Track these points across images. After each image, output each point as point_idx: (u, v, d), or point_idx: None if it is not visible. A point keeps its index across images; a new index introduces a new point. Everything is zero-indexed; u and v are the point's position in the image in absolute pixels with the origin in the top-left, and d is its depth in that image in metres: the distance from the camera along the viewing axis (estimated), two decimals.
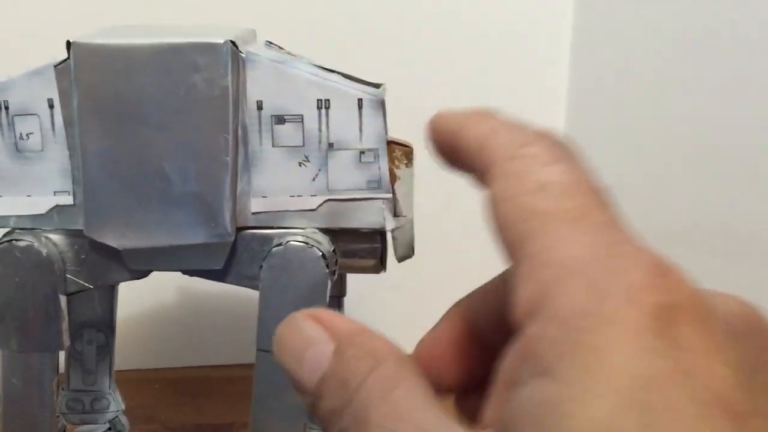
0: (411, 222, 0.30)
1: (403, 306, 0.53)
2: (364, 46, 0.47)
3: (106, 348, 0.35)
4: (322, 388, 0.16)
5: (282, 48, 0.30)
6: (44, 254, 0.28)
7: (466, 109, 0.18)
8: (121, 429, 0.37)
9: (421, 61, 0.49)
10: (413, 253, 0.30)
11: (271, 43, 0.30)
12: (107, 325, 0.35)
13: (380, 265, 0.30)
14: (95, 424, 0.36)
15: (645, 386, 0.12)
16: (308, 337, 0.17)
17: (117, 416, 0.36)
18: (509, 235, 0.15)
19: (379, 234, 0.30)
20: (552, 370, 0.13)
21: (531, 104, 0.52)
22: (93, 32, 0.27)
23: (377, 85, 0.28)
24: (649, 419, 0.12)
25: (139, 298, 0.49)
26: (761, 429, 0.13)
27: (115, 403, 0.36)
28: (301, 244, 0.28)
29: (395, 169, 0.29)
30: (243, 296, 0.51)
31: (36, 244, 0.28)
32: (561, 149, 0.16)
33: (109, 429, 0.36)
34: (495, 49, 0.51)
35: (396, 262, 0.30)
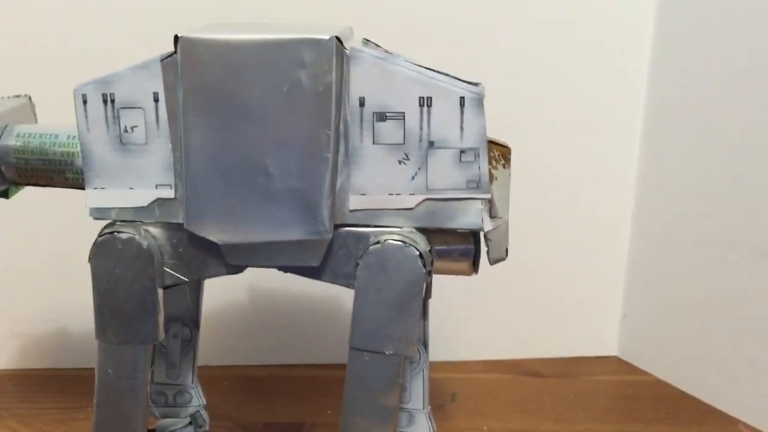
0: (506, 224, 0.29)
1: (472, 308, 0.52)
2: (445, 47, 0.47)
3: (190, 342, 0.36)
4: None
5: (379, 46, 0.30)
6: (145, 246, 0.28)
7: None
8: (202, 424, 0.37)
9: (503, 63, 0.49)
10: (506, 256, 0.30)
11: (368, 40, 0.30)
12: (193, 319, 0.35)
13: (473, 268, 0.30)
14: (177, 417, 0.36)
15: None
16: None
17: (198, 411, 0.37)
18: None
19: (473, 235, 0.30)
20: None
21: (609, 107, 0.51)
22: (198, 27, 0.27)
23: (475, 84, 0.28)
24: None
25: (210, 296, 0.50)
26: None
27: (197, 398, 0.36)
28: (399, 243, 0.27)
29: (492, 170, 0.28)
30: (314, 296, 0.51)
31: (137, 237, 0.28)
32: None
33: (190, 423, 0.37)
34: (576, 53, 0.50)
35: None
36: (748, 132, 0.44)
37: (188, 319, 0.35)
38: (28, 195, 0.34)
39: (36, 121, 0.32)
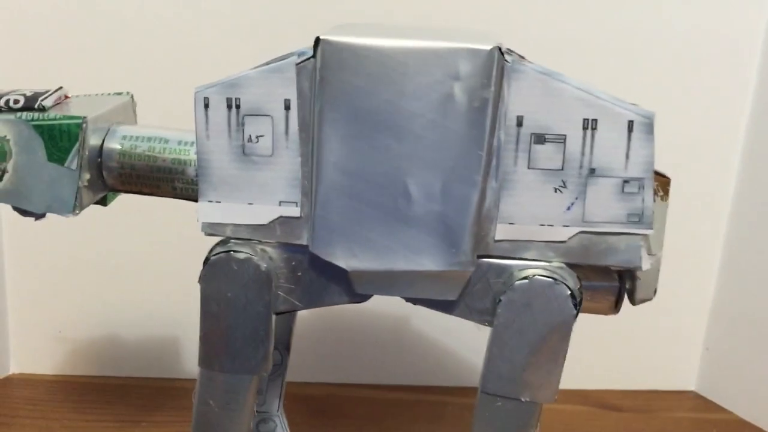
0: (659, 261, 0.27)
1: None
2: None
3: (280, 367, 0.33)
4: None
5: (523, 57, 0.27)
6: (263, 269, 0.25)
7: None
8: None
9: (607, 63, 0.46)
10: (654, 296, 0.27)
11: (511, 50, 0.27)
12: (284, 342, 0.33)
13: (615, 308, 0.27)
14: None
15: None
16: None
17: None
18: None
19: (618, 272, 0.27)
20: None
21: (714, 110, 0.48)
22: (335, 29, 0.25)
23: (635, 104, 0.25)
24: None
25: None
26: None
27: (283, 428, 0.34)
28: (549, 279, 0.25)
29: None
30: (380, 312, 0.48)
31: (255, 258, 0.25)
32: None
33: None
34: (684, 52, 0.47)
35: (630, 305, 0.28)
36: None
37: (280, 343, 0.32)
38: None
39: (136, 122, 0.29)
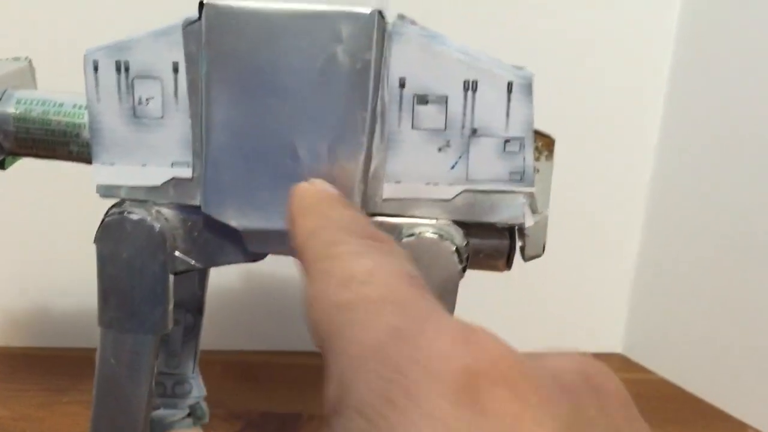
0: (546, 219, 0.28)
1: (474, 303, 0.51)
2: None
3: (193, 330, 0.33)
4: None
5: (415, 22, 0.28)
6: (157, 230, 0.26)
7: (318, 191, 0.21)
8: (201, 416, 0.35)
9: (517, 60, 0.47)
10: (543, 253, 0.28)
11: (403, 16, 0.28)
12: (197, 306, 0.33)
13: (507, 264, 0.28)
14: (175, 408, 0.34)
15: None
16: None
17: (198, 402, 0.34)
18: (318, 336, 0.15)
19: (508, 230, 0.28)
20: None
21: (625, 105, 0.49)
22: None
23: (520, 68, 0.26)
24: None
25: None
26: None
27: (198, 389, 0.34)
28: (435, 236, 0.25)
29: (535, 161, 0.26)
30: None
31: (149, 219, 0.26)
32: (371, 244, 0.17)
33: (189, 415, 0.35)
34: (592, 53, 0.48)
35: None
36: (762, 133, 0.43)
37: (192, 305, 0.33)
38: (13, 166, 0.31)
39: (36, 87, 0.29)
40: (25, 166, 0.31)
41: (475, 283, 0.51)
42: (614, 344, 0.53)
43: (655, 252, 0.51)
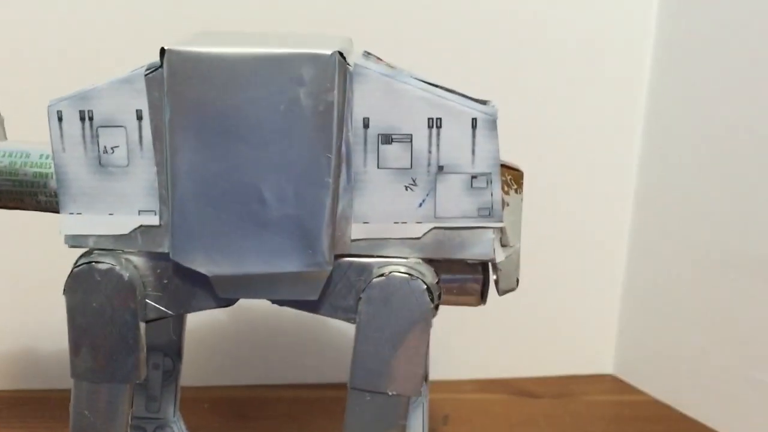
0: (517, 252, 0.27)
1: (464, 326, 0.50)
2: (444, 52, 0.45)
3: (172, 374, 0.33)
4: None
5: (380, 59, 0.28)
6: (126, 278, 0.25)
7: None
8: None
9: (495, 69, 0.47)
10: (517, 286, 0.28)
11: (369, 53, 0.28)
12: (175, 350, 0.33)
13: (481, 299, 0.28)
14: None
15: None
16: None
17: None
18: None
19: (482, 265, 0.28)
20: None
21: (606, 119, 0.49)
22: (185, 38, 0.25)
23: (484, 102, 0.26)
24: None
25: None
26: None
27: None
28: (405, 275, 0.25)
29: (504, 195, 0.26)
30: (299, 313, 0.49)
31: (117, 268, 0.25)
32: None
33: None
34: (572, 60, 0.48)
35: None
36: (749, 145, 0.43)
37: (170, 349, 0.33)
38: None
39: (5, 138, 0.29)
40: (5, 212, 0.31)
41: (466, 308, 0.51)
42: (605, 366, 0.53)
43: (642, 272, 0.51)
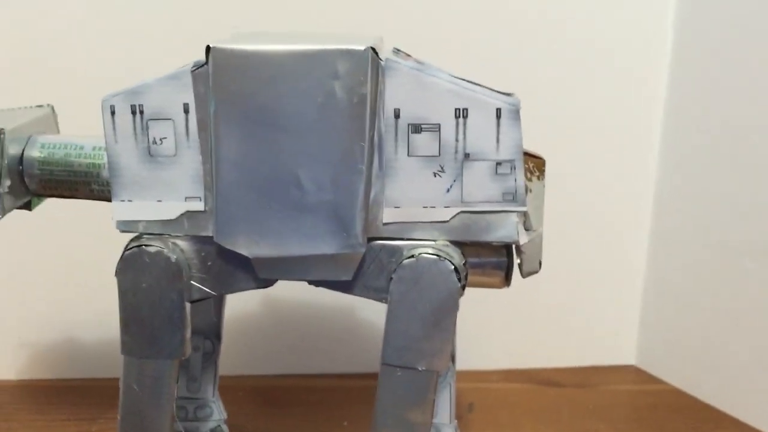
0: (540, 236, 0.29)
1: (488, 316, 0.52)
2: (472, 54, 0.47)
3: (212, 356, 0.35)
4: None
5: (409, 55, 0.29)
6: (173, 260, 0.27)
7: None
8: None
9: (517, 66, 0.48)
10: (540, 269, 0.30)
11: (398, 50, 0.29)
12: (215, 332, 0.35)
13: (505, 281, 0.30)
14: None
15: None
16: None
17: (219, 425, 0.36)
18: None
19: (506, 248, 0.29)
20: None
21: (627, 112, 0.51)
22: (229, 37, 0.27)
23: (509, 94, 0.27)
24: None
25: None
26: None
27: (219, 412, 0.36)
28: (433, 256, 0.27)
29: (527, 182, 0.28)
30: (329, 306, 0.51)
31: (165, 250, 0.27)
32: None
33: None
34: (594, 56, 0.49)
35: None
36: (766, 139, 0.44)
37: (210, 332, 0.35)
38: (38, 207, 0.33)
39: (59, 132, 0.31)
40: (49, 205, 0.33)
41: (488, 297, 0.53)
42: (627, 356, 0.54)
43: (663, 263, 0.52)
